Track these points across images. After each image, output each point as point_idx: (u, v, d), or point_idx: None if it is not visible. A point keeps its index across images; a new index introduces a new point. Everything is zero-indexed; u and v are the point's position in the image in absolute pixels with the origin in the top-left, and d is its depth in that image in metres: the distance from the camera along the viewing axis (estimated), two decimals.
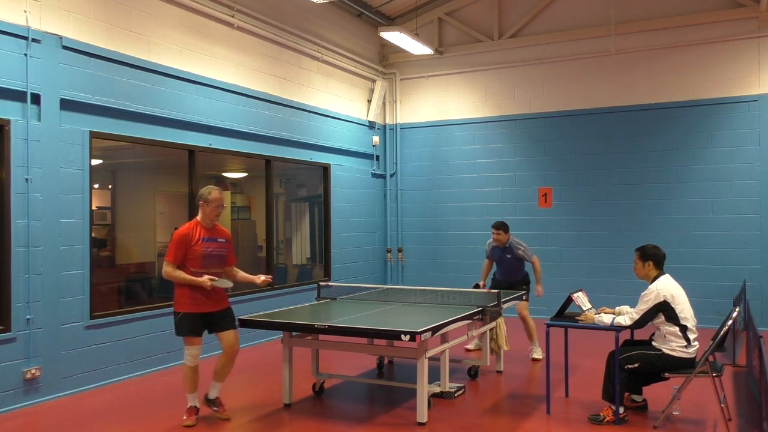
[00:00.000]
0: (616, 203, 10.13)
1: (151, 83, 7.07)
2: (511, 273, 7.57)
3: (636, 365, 5.11)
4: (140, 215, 8.06)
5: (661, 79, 9.85)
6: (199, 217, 5.38)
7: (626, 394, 5.34)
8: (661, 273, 5.24)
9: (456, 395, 5.96)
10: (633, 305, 5.31)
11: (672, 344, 5.04)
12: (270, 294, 8.85)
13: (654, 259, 5.25)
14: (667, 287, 5.10)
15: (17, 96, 5.74)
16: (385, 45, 11.56)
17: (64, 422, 5.38)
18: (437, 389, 5.83)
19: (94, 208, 6.59)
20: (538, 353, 7.52)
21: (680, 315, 5.03)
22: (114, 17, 6.70)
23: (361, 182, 11.17)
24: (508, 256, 7.50)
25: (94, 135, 6.43)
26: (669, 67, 9.81)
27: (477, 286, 7.83)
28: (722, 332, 5.03)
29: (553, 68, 10.58)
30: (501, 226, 7.49)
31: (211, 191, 5.32)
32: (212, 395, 5.45)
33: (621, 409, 5.13)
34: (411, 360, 6.30)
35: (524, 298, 7.19)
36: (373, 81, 11.48)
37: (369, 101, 11.42)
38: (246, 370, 7.11)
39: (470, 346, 7.73)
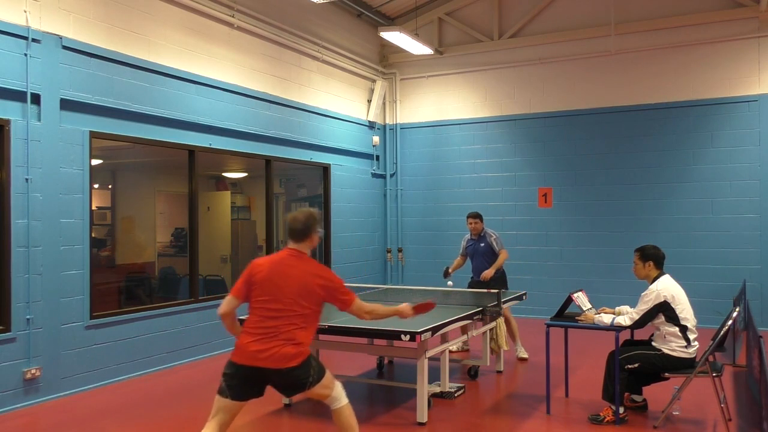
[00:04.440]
0: (616, 203, 10.13)
1: (151, 83, 7.07)
2: (486, 265, 7.59)
3: (636, 365, 5.11)
4: (140, 215, 8.06)
5: (661, 79, 9.85)
6: (308, 251, 4.07)
7: (626, 394, 5.34)
8: (661, 273, 5.24)
9: (456, 395, 5.96)
10: (633, 305, 5.31)
11: (672, 344, 5.04)
12: None
13: (654, 260, 5.25)
14: (667, 288, 5.09)
15: (17, 96, 5.74)
16: (385, 45, 11.55)
17: (64, 422, 5.38)
18: (437, 389, 5.83)
19: (94, 208, 6.59)
20: (523, 352, 7.56)
21: (680, 315, 5.03)
22: (114, 17, 6.70)
23: (361, 182, 11.17)
24: (482, 245, 7.63)
25: (94, 135, 6.43)
26: (669, 67, 9.81)
27: (446, 271, 7.87)
28: (722, 332, 5.03)
29: (553, 68, 10.58)
30: (477, 215, 7.68)
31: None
32: None
33: (621, 409, 5.13)
34: (411, 360, 6.29)
35: (523, 297, 7.20)
36: (373, 81, 11.48)
37: (369, 101, 11.42)
38: None
39: (453, 348, 7.67)
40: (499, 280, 7.58)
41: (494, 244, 7.57)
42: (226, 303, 3.91)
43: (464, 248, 7.83)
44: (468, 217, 7.72)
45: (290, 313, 3.83)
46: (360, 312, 4.03)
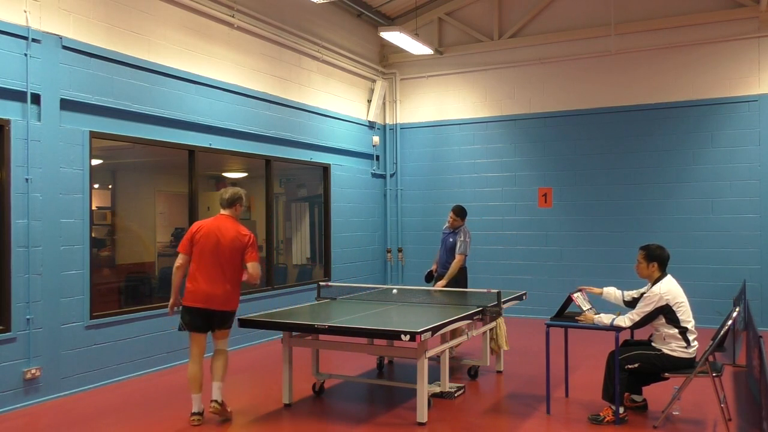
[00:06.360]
0: (616, 203, 10.13)
1: (151, 83, 7.07)
2: (448, 259, 7.48)
3: (636, 365, 5.11)
4: (140, 215, 8.06)
5: (661, 79, 9.85)
6: (235, 216, 5.51)
7: (626, 394, 5.34)
8: (664, 274, 5.21)
9: (456, 395, 5.96)
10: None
11: (672, 345, 5.04)
12: (270, 294, 8.85)
13: (659, 261, 5.21)
14: (670, 291, 5.05)
15: (17, 96, 5.74)
16: (385, 45, 11.55)
17: (64, 422, 5.38)
18: (437, 389, 5.82)
19: (94, 208, 6.59)
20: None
21: (681, 318, 5.01)
22: (114, 17, 6.70)
23: (361, 182, 11.17)
24: (451, 239, 7.52)
25: (94, 135, 6.43)
26: (669, 67, 9.81)
27: (430, 273, 7.78)
28: (722, 332, 5.03)
29: (553, 68, 10.58)
30: (459, 213, 7.52)
31: None
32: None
33: (621, 409, 5.13)
34: (411, 360, 6.29)
35: (523, 297, 7.19)
36: (373, 81, 11.48)
37: (369, 101, 11.42)
38: (246, 370, 7.11)
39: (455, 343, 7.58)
40: (461, 273, 7.45)
41: (458, 243, 7.38)
42: (179, 259, 5.33)
43: (442, 238, 7.73)
44: (451, 210, 7.57)
45: (226, 262, 5.25)
46: (256, 270, 5.27)
